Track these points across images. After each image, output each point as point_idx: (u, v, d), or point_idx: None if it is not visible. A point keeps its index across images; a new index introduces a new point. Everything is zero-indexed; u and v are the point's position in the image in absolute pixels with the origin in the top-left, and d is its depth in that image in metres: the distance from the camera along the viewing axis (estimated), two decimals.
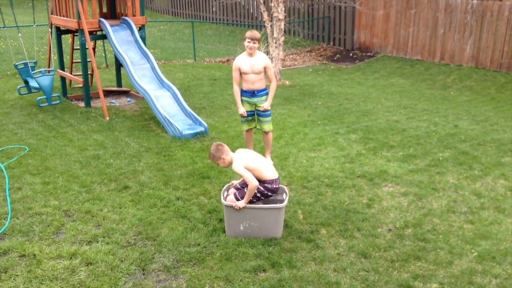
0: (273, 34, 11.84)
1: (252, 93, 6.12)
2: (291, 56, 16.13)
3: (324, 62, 15.60)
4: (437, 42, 14.13)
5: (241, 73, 6.05)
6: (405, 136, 7.64)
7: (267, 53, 13.85)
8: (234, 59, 15.85)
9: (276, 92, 10.81)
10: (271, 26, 11.94)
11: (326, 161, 6.57)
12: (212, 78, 12.06)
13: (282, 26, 11.76)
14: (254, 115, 6.29)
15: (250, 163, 4.65)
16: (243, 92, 6.18)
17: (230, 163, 4.72)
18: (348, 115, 8.91)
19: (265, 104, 6.15)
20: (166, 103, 8.03)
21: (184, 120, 7.80)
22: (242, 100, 6.19)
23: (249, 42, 5.89)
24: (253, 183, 4.50)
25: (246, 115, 6.20)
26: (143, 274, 4.05)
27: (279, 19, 11.62)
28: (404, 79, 13.13)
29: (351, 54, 16.05)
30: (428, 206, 5.34)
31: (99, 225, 4.78)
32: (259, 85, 6.10)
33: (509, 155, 6.88)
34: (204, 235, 4.63)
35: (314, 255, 4.35)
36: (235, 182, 5.03)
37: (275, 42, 11.82)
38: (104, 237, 4.55)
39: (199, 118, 7.76)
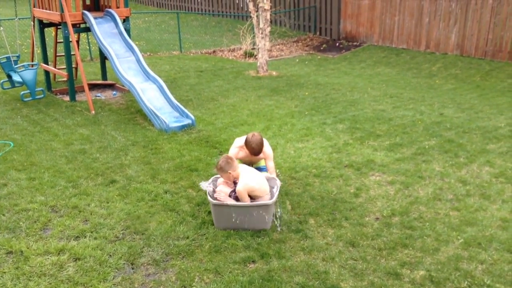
0: (259, 24, 11.79)
1: (249, 165, 5.29)
2: (277, 46, 16.09)
3: (310, 52, 15.59)
4: (423, 30, 14.19)
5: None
6: (391, 125, 7.69)
7: (253, 43, 13.81)
8: (220, 50, 15.70)
9: (263, 83, 10.81)
10: (257, 16, 11.89)
11: (314, 152, 6.59)
12: (199, 69, 12.00)
13: (268, 17, 11.71)
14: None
15: (256, 191, 4.64)
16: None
17: (235, 179, 4.69)
18: (335, 105, 8.94)
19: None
20: (152, 96, 7.98)
21: (170, 112, 7.75)
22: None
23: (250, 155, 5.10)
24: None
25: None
26: (132, 268, 4.04)
27: (264, 9, 11.56)
28: (390, 68, 13.18)
29: (337, 44, 16.06)
30: (415, 194, 5.40)
31: (86, 220, 4.75)
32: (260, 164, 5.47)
33: (494, 142, 6.96)
34: (193, 228, 4.63)
35: (303, 245, 4.38)
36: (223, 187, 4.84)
37: (261, 33, 11.78)
38: (92, 232, 4.53)
39: (186, 110, 7.72)
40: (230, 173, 4.62)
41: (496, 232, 4.62)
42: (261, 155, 5.18)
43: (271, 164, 5.27)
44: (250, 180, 4.61)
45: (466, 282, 3.89)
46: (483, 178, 5.79)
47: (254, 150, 4.97)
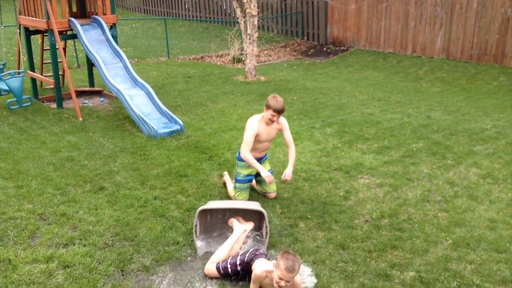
0: (246, 30, 11.82)
1: (259, 159, 5.24)
2: (265, 51, 16.14)
3: (298, 57, 15.66)
4: (409, 35, 14.34)
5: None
6: (379, 129, 7.74)
7: (241, 49, 13.84)
8: (208, 56, 15.71)
9: (251, 88, 10.83)
10: (244, 22, 11.93)
11: (303, 156, 6.61)
12: (187, 75, 11.99)
13: (256, 22, 11.76)
14: (253, 180, 5.39)
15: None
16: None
17: (245, 253, 4.00)
18: (323, 109, 8.98)
19: (288, 171, 5.07)
20: (140, 102, 7.95)
21: (159, 118, 7.73)
22: (243, 166, 5.18)
23: (273, 115, 4.90)
24: None
25: (272, 181, 5.06)
26: (122, 275, 4.01)
27: (252, 15, 11.61)
28: (377, 72, 13.29)
29: (325, 49, 16.15)
30: (403, 196, 5.43)
31: (75, 228, 4.71)
32: (266, 152, 5.39)
33: (480, 144, 7.04)
34: (183, 233, 4.61)
35: (294, 249, 4.38)
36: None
37: (249, 38, 11.82)
38: (80, 239, 4.49)
39: (174, 116, 7.70)
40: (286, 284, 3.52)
41: (484, 233, 4.67)
42: (278, 125, 5.10)
43: (288, 135, 5.19)
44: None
45: (455, 282, 3.92)
46: (471, 179, 5.85)
47: (278, 105, 4.83)
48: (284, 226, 4.80)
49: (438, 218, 4.94)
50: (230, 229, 4.55)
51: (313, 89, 10.79)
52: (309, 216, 4.98)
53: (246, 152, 5.00)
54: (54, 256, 4.20)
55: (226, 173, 5.73)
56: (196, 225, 4.34)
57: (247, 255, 3.94)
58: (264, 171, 4.99)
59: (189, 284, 3.91)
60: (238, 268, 3.90)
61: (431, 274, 4.02)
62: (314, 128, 7.80)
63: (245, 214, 4.66)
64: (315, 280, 3.94)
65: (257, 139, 5.06)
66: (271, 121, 4.99)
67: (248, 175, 5.22)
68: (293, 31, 17.50)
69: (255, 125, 5.01)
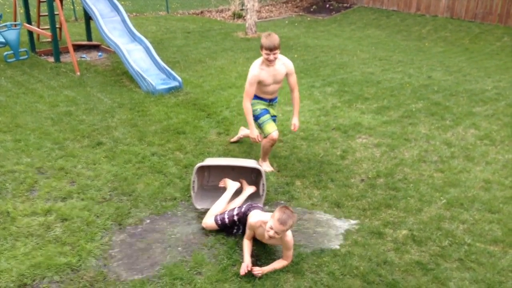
0: None
1: (270, 101, 5.07)
2: (266, 7, 15.81)
3: (300, 13, 15.36)
4: None
5: (258, 83, 4.86)
6: (379, 88, 7.69)
7: (242, 4, 13.55)
8: (208, 11, 15.43)
9: (252, 44, 10.67)
10: None
11: (302, 115, 6.58)
12: (186, 31, 11.79)
13: None
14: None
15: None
16: (258, 98, 4.99)
17: (241, 206, 4.04)
18: (324, 68, 8.89)
19: (295, 120, 4.99)
20: (139, 58, 7.85)
21: (157, 74, 7.65)
22: (256, 103, 5.01)
23: (268, 54, 4.64)
24: (290, 261, 3.68)
25: (259, 140, 4.93)
26: (120, 229, 4.07)
27: None
28: (380, 30, 13.07)
29: (327, 5, 15.81)
30: (400, 156, 5.46)
31: (73, 182, 4.75)
32: (276, 94, 5.11)
33: (480, 105, 7.01)
34: (180, 189, 4.66)
35: (290, 206, 4.43)
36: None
37: None
38: (78, 193, 4.53)
39: (173, 72, 7.62)
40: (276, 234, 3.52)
41: (478, 193, 4.71)
42: (285, 67, 4.85)
43: (293, 79, 4.97)
44: None
45: (447, 241, 3.99)
46: (468, 141, 5.86)
47: (267, 42, 4.58)
48: (280, 184, 4.84)
49: (433, 178, 4.98)
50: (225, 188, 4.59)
51: (314, 47, 10.64)
52: (305, 175, 5.02)
53: (245, 102, 4.85)
54: (52, 209, 4.26)
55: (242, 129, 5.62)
56: (193, 181, 4.37)
57: (244, 206, 4.01)
58: (252, 131, 4.86)
59: (185, 238, 3.98)
60: (235, 218, 3.96)
61: (424, 233, 4.09)
62: (314, 87, 7.75)
63: (242, 171, 4.69)
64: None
65: (262, 84, 4.85)
66: (269, 61, 4.70)
67: (263, 108, 5.00)
68: None
69: (255, 71, 4.79)
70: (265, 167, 5.12)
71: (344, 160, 5.36)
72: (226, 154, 5.40)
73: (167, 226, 4.13)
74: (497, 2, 12.38)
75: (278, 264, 3.67)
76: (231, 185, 4.46)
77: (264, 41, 4.63)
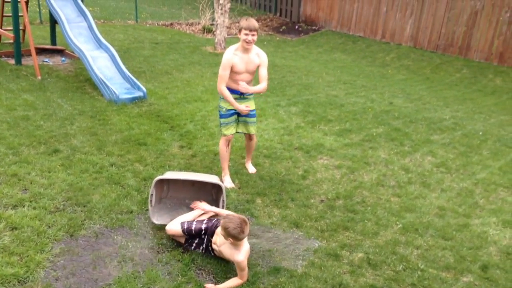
0: (219, 0, 11.59)
1: (241, 94, 5.01)
2: (236, 24, 15.91)
3: (270, 33, 15.54)
4: (380, 19, 14.42)
5: (231, 71, 4.87)
6: (342, 111, 7.82)
7: (212, 19, 13.59)
8: (178, 23, 15.36)
9: (220, 59, 10.63)
10: None
11: (266, 133, 6.61)
12: (154, 41, 11.70)
13: None
14: (237, 115, 5.15)
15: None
16: (229, 89, 4.95)
17: (210, 221, 4.03)
18: (290, 88, 8.98)
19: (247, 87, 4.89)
20: (103, 65, 7.72)
21: (121, 83, 7.54)
22: (223, 99, 5.01)
23: (246, 34, 4.68)
24: (245, 280, 3.67)
25: (248, 111, 4.97)
26: (72, 240, 3.93)
27: None
28: (346, 55, 13.36)
29: (296, 27, 16.07)
30: (360, 179, 5.54)
31: (26, 189, 4.57)
32: (250, 86, 5.03)
33: (438, 133, 7.23)
34: (138, 203, 4.56)
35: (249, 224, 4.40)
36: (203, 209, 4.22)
37: (221, 9, 11.60)
38: (31, 201, 4.36)
39: (137, 82, 7.52)
40: (229, 240, 3.64)
41: (433, 219, 4.82)
42: (258, 58, 4.87)
43: (264, 72, 4.92)
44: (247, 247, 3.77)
45: (401, 266, 4.05)
46: (425, 167, 6.01)
47: (247, 23, 4.68)
48: (241, 201, 4.81)
49: (390, 203, 5.07)
50: (185, 202, 4.52)
51: (282, 67, 10.76)
52: (266, 193, 5.01)
53: (220, 85, 4.86)
54: (1, 217, 4.07)
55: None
56: (152, 195, 4.29)
57: (214, 220, 4.01)
58: (239, 105, 4.88)
59: (139, 252, 3.88)
60: (203, 227, 3.92)
61: (379, 257, 4.14)
62: (280, 106, 7.80)
63: (203, 186, 4.63)
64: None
65: (234, 71, 4.83)
66: (247, 42, 4.71)
67: (230, 109, 5.00)
68: (267, 5, 17.31)
69: (229, 55, 4.81)
70: (226, 183, 5.10)
71: (305, 180, 5.39)
72: (187, 168, 5.34)
73: (122, 239, 4.02)
74: (458, 35, 12.91)
75: (233, 282, 3.63)
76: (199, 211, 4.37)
77: (244, 22, 4.72)
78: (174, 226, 4.00)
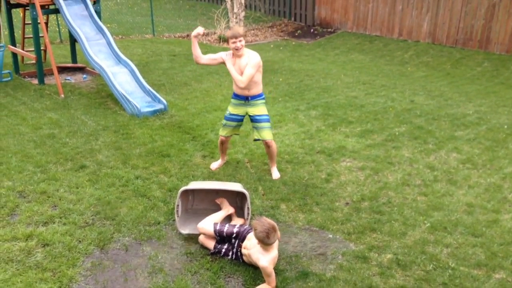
0: (233, 9, 11.69)
1: (246, 99, 5.17)
2: (252, 31, 15.99)
3: (285, 38, 15.56)
4: (396, 18, 14.31)
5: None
6: (363, 112, 7.77)
7: (228, 28, 13.69)
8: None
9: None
10: (231, 0, 11.78)
11: (287, 138, 6.62)
12: (172, 53, 11.85)
13: (243, 1, 11.63)
14: (242, 121, 5.33)
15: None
16: (235, 95, 5.21)
17: (242, 226, 4.10)
18: (308, 92, 8.97)
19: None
20: (124, 80, 7.85)
21: (142, 97, 7.65)
22: (232, 103, 5.27)
23: (234, 42, 4.88)
24: (274, 285, 3.68)
25: (242, 97, 5.16)
26: (102, 254, 4.01)
27: None
28: (363, 55, 13.28)
29: (312, 30, 16.06)
30: (384, 179, 5.49)
31: (55, 206, 4.68)
32: (254, 90, 5.12)
33: (461, 129, 7.13)
34: (164, 214, 4.61)
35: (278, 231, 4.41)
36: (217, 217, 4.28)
37: (236, 17, 11.69)
38: (60, 217, 4.46)
39: (158, 95, 7.63)
40: (271, 245, 3.67)
41: (461, 217, 4.75)
42: (248, 59, 4.99)
43: (247, 70, 4.96)
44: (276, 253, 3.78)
45: (431, 265, 4.00)
46: (451, 164, 5.93)
47: (231, 31, 4.96)
48: (265, 207, 4.82)
49: (417, 202, 5.01)
50: (211, 211, 4.56)
51: (299, 71, 10.76)
52: (291, 198, 5.02)
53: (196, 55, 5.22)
54: (33, 234, 4.18)
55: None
56: (177, 205, 4.34)
57: (245, 226, 4.09)
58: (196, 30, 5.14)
59: (168, 263, 3.93)
60: (235, 231, 4.00)
61: (408, 257, 4.10)
62: (299, 110, 7.80)
63: (227, 195, 4.67)
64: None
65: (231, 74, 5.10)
66: (236, 49, 4.95)
67: (233, 114, 5.28)
68: (281, 11, 17.34)
69: (224, 53, 5.14)
70: (213, 165, 5.55)
71: (329, 184, 5.38)
72: (211, 177, 5.39)
73: (151, 251, 4.08)
74: (477, 28, 12.71)
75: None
76: (227, 208, 4.47)
77: (228, 32, 5.01)
78: (207, 225, 4.09)
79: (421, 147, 6.41)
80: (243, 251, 3.90)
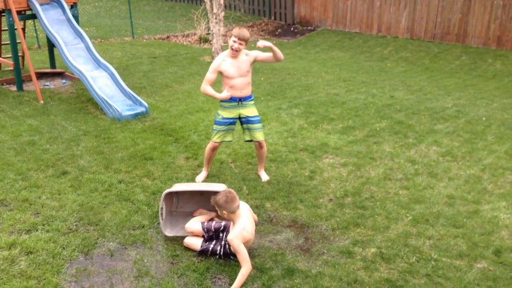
0: (212, 9, 11.67)
1: (239, 101, 5.08)
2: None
3: (266, 37, 15.59)
4: (374, 14, 14.45)
5: (223, 77, 5.00)
6: (344, 109, 7.84)
7: (208, 29, 13.67)
8: (174, 36, 15.45)
9: None
10: (210, 1, 11.76)
11: (270, 137, 6.64)
12: (152, 56, 11.79)
13: (222, 1, 11.61)
14: (235, 124, 5.20)
15: (248, 238, 3.88)
16: (227, 100, 5.07)
17: (228, 220, 4.12)
18: (290, 90, 9.02)
19: (262, 42, 4.81)
20: (104, 84, 7.79)
21: (123, 100, 7.61)
22: (223, 107, 5.11)
23: (234, 41, 4.79)
24: (249, 265, 3.70)
25: (235, 99, 5.02)
26: (87, 260, 3.98)
27: None
28: (343, 52, 13.39)
29: (292, 29, 16.12)
30: (366, 175, 5.56)
31: (37, 213, 4.63)
32: (247, 91, 5.07)
33: (441, 122, 7.24)
34: (149, 217, 4.60)
35: (259, 229, 4.44)
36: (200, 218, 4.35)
37: (215, 18, 11.67)
38: (43, 225, 4.42)
39: (139, 98, 7.59)
40: (225, 213, 3.88)
41: (442, 209, 4.83)
42: (248, 57, 4.95)
43: (263, 55, 5.02)
44: (245, 227, 3.85)
45: (414, 258, 4.07)
46: (431, 157, 6.02)
47: (238, 31, 4.82)
48: (250, 206, 4.83)
49: (399, 196, 5.08)
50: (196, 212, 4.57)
51: (280, 70, 10.80)
52: (275, 197, 5.05)
53: (203, 86, 5.04)
54: (16, 242, 4.14)
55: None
56: (162, 208, 4.33)
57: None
58: (218, 95, 4.96)
59: (154, 266, 3.92)
60: (222, 223, 4.15)
61: (392, 250, 4.16)
62: (281, 109, 7.84)
63: (211, 196, 4.67)
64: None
65: (226, 76, 4.95)
66: (232, 49, 4.84)
67: (226, 118, 5.09)
68: (260, 10, 17.38)
69: (218, 60, 4.98)
70: (199, 177, 5.35)
71: (312, 181, 5.42)
72: (194, 179, 5.38)
73: (136, 255, 4.07)
74: (454, 22, 12.91)
75: (240, 274, 3.68)
76: (207, 213, 4.49)
77: (236, 30, 4.85)
78: (194, 225, 4.17)
79: (401, 141, 6.50)
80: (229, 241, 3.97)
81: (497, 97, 8.88)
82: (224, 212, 3.86)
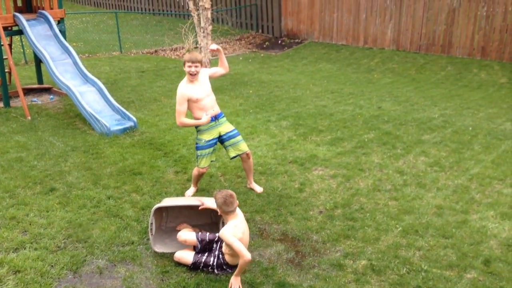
0: (200, 23, 11.73)
1: (215, 119, 5.12)
2: (220, 45, 16.06)
3: (253, 50, 15.68)
4: (360, 27, 14.61)
5: (191, 103, 5.00)
6: (332, 120, 7.89)
7: (196, 42, 13.72)
8: (162, 50, 15.46)
9: None
10: (197, 15, 11.82)
11: (259, 149, 6.65)
12: (140, 70, 11.79)
13: (209, 15, 11.67)
14: (217, 143, 5.22)
15: (239, 237, 3.88)
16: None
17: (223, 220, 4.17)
18: (278, 103, 9.06)
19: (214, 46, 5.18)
20: (92, 99, 7.77)
21: (111, 115, 7.58)
22: (202, 130, 5.11)
23: (190, 66, 4.87)
24: (246, 257, 3.74)
25: (211, 119, 5.06)
26: (76, 278, 3.94)
27: (205, 8, 11.51)
28: (331, 64, 13.50)
29: (279, 41, 16.24)
30: (356, 186, 5.58)
31: (25, 231, 4.58)
32: (217, 108, 5.16)
33: (428, 133, 7.31)
34: (138, 233, 4.57)
35: (249, 243, 4.42)
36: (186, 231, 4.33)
37: (203, 32, 11.72)
38: (31, 243, 4.37)
39: (127, 112, 7.57)
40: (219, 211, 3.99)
41: (431, 219, 4.86)
42: (203, 76, 5.05)
43: (215, 69, 5.29)
44: (237, 227, 3.92)
45: (405, 269, 4.08)
46: (419, 168, 6.07)
47: (188, 55, 4.92)
48: None
49: (388, 207, 5.11)
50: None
51: (269, 82, 10.85)
52: (265, 210, 5.04)
53: (179, 120, 5.03)
54: (4, 261, 4.08)
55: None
56: (151, 223, 4.31)
57: None
58: (201, 120, 4.99)
59: (143, 283, 3.88)
60: (216, 235, 4.14)
61: (382, 262, 4.17)
62: (270, 121, 7.86)
63: (202, 211, 4.65)
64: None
65: (195, 100, 4.97)
66: (191, 75, 4.91)
67: (209, 140, 5.11)
68: (248, 23, 17.49)
69: (182, 90, 4.98)
70: (188, 192, 5.35)
71: (302, 193, 5.43)
72: (184, 193, 5.36)
73: (125, 272, 4.03)
74: (439, 34, 13.09)
75: (239, 266, 3.79)
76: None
77: (187, 56, 4.96)
78: (188, 235, 4.16)
79: (390, 152, 6.54)
80: (223, 249, 4.02)
81: (482, 107, 9.00)
82: (219, 210, 3.98)
